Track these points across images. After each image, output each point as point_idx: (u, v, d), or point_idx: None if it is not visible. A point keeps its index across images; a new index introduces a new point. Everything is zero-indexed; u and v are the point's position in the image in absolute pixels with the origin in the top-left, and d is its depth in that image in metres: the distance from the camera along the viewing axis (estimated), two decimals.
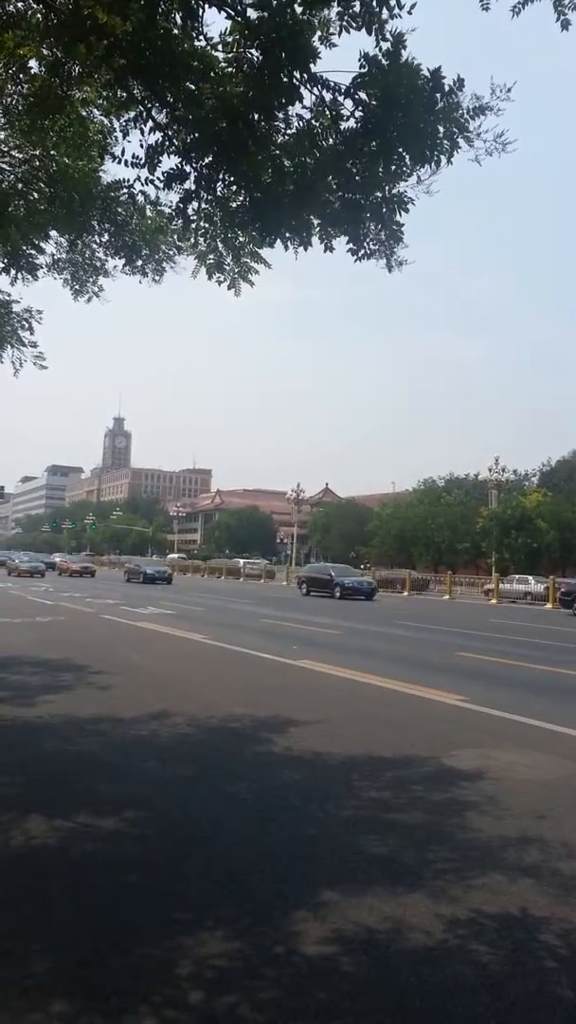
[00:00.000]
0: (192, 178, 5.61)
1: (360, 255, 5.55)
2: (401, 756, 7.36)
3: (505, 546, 55.66)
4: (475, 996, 3.33)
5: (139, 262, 10.07)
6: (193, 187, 5.66)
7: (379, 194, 5.32)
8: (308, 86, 5.04)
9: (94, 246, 10.43)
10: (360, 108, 4.99)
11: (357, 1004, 3.25)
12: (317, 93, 5.10)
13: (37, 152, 8.88)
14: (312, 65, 4.99)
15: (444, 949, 3.72)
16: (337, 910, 4.07)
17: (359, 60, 4.75)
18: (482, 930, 3.92)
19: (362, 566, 61.38)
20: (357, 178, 5.20)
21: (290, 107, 5.14)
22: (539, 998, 3.34)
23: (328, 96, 5.08)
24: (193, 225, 6.38)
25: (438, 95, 4.77)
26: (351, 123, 5.07)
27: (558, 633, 23.74)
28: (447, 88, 4.77)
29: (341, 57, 5.09)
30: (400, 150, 4.99)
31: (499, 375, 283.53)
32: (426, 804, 5.97)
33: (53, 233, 10.10)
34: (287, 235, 5.52)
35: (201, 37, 5.27)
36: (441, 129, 4.86)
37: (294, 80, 4.94)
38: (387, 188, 5.33)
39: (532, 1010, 3.26)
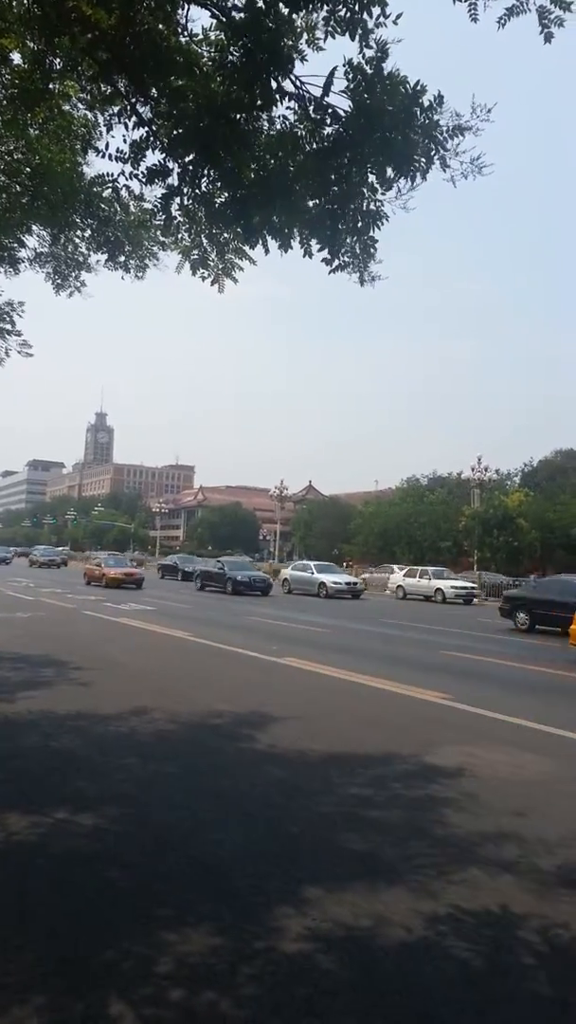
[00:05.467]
0: (175, 174, 5.58)
1: (335, 266, 5.56)
2: (383, 753, 7.40)
3: (487, 545, 55.95)
4: (455, 993, 3.36)
5: (122, 257, 10.02)
6: (176, 183, 5.63)
7: (353, 205, 5.33)
8: (289, 91, 5.04)
9: (77, 240, 10.35)
10: (337, 120, 4.99)
11: (337, 1000, 3.26)
12: (299, 97, 5.10)
13: (19, 145, 8.79)
14: (293, 69, 4.99)
15: (424, 945, 3.75)
16: (318, 906, 4.08)
17: (343, 66, 4.76)
18: (461, 926, 3.95)
19: (344, 564, 61.50)
20: (335, 187, 5.21)
21: (272, 108, 5.14)
22: (518, 995, 3.37)
23: (310, 102, 5.08)
24: (176, 221, 6.36)
25: (418, 110, 4.80)
26: (331, 130, 5.08)
27: None
28: (427, 104, 4.79)
29: (328, 66, 5.10)
30: (377, 162, 5.00)
31: (483, 376, 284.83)
32: (407, 801, 6.00)
33: (35, 227, 10.02)
34: (268, 235, 5.52)
35: (185, 33, 5.25)
36: (419, 144, 4.88)
37: (274, 82, 4.94)
38: (364, 201, 5.34)
39: (511, 1007, 3.29)
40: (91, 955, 3.55)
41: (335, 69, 4.77)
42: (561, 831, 5.40)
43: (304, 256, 5.57)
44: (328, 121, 5.07)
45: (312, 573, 38.92)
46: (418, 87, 4.78)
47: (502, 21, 4.55)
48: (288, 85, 5.07)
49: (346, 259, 5.67)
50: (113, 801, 5.79)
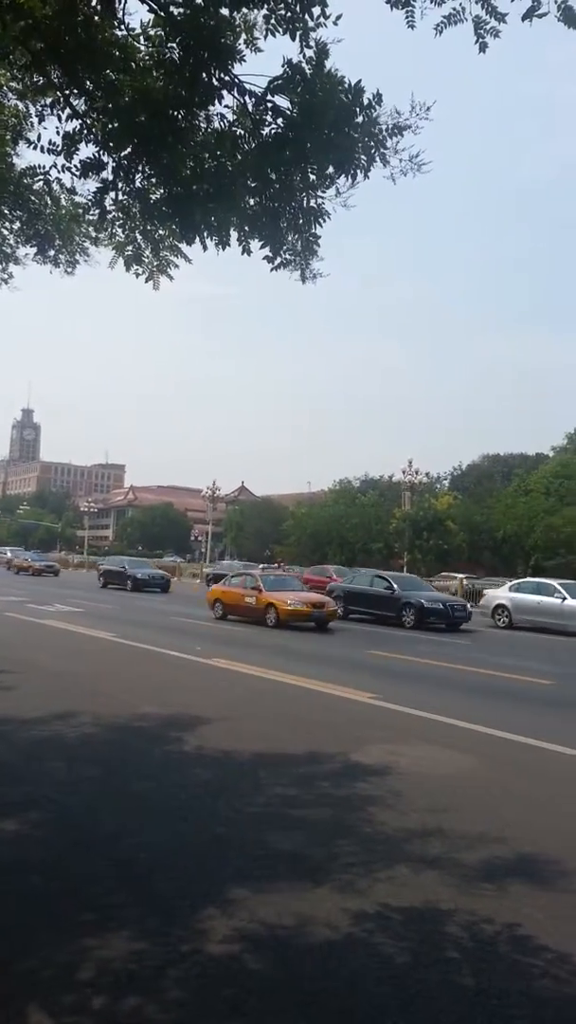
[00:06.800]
0: (110, 168, 5.51)
1: (276, 264, 5.57)
2: (310, 753, 7.44)
3: (416, 547, 56.90)
4: (379, 988, 3.40)
5: (52, 252, 9.81)
6: (111, 177, 5.56)
7: (294, 203, 5.36)
8: (229, 89, 5.03)
9: (5, 232, 10.09)
10: (279, 116, 5.01)
11: (263, 1001, 3.26)
12: (238, 96, 5.10)
13: None
14: (233, 67, 4.98)
15: (350, 943, 3.78)
16: (244, 907, 4.08)
17: (283, 66, 4.78)
18: (387, 923, 4.00)
19: (277, 564, 61.64)
20: (276, 185, 5.23)
21: (211, 106, 5.13)
22: (442, 988, 3.43)
23: (250, 101, 5.08)
24: (110, 216, 6.27)
25: (357, 109, 4.85)
26: (271, 128, 5.09)
27: None
28: (366, 102, 4.84)
29: (267, 66, 5.12)
30: (317, 160, 5.04)
31: (416, 380, 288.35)
32: (333, 800, 6.05)
33: None
34: (205, 233, 5.50)
35: (122, 27, 5.19)
36: (359, 143, 4.93)
37: (214, 80, 4.93)
38: (305, 198, 5.37)
39: (435, 999, 3.34)
40: (11, 963, 3.46)
41: (279, 77, 4.80)
42: (482, 826, 5.53)
43: (243, 254, 5.56)
44: (268, 119, 5.08)
45: (563, 598, 24.50)
46: (357, 86, 4.83)
47: (439, 28, 4.61)
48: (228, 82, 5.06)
49: (288, 256, 5.68)
50: (36, 806, 5.67)
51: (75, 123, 5.46)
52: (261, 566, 44.26)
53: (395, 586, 24.96)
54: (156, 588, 37.04)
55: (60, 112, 5.52)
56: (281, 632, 20.43)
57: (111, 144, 5.40)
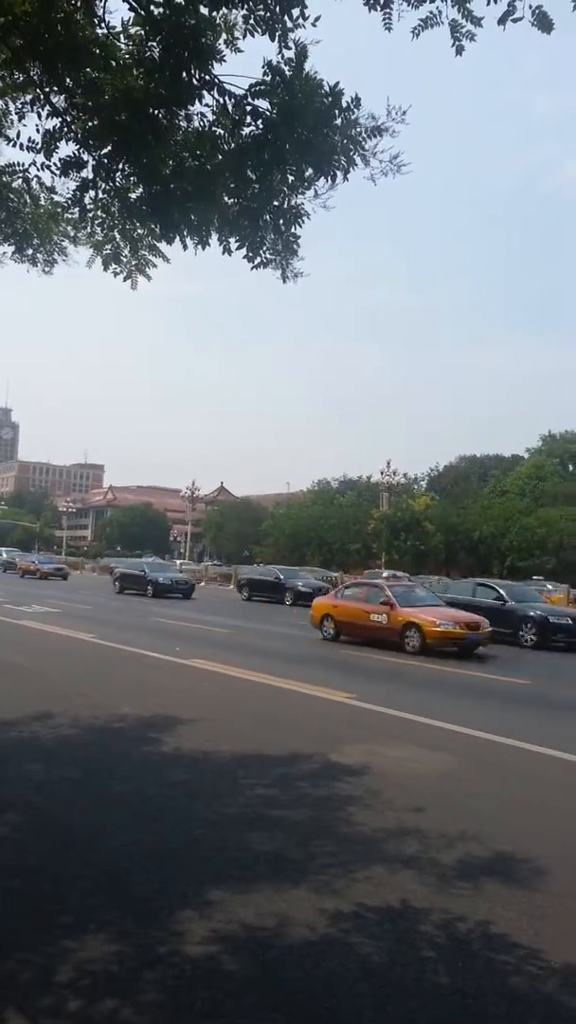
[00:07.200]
0: (90, 167, 5.49)
1: (256, 263, 5.58)
2: (288, 753, 7.44)
3: (394, 547, 57.20)
4: (356, 987, 3.41)
5: (30, 251, 9.75)
6: (91, 176, 5.54)
7: (276, 203, 5.37)
8: (209, 89, 5.03)
9: None
10: (258, 118, 5.02)
11: (241, 1002, 3.26)
12: (218, 96, 5.10)
13: None
14: (213, 67, 4.98)
15: (327, 943, 3.79)
16: (222, 908, 4.08)
17: (262, 68, 4.79)
18: (364, 923, 4.01)
19: (256, 563, 61.63)
20: (255, 186, 5.24)
21: (191, 106, 5.13)
22: (418, 986, 3.45)
23: (230, 101, 5.08)
24: (90, 215, 6.25)
25: (336, 111, 4.86)
26: (251, 129, 5.10)
27: None
28: (345, 104, 4.86)
29: (247, 67, 5.11)
30: (296, 161, 5.05)
31: (393, 382, 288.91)
32: (312, 800, 6.06)
33: None
34: (185, 232, 5.49)
35: (102, 25, 5.18)
36: (338, 145, 4.95)
37: (194, 80, 4.93)
38: (284, 199, 5.38)
39: (411, 998, 3.36)
40: None
41: (260, 82, 4.80)
42: (459, 825, 5.56)
43: (223, 254, 5.56)
44: (247, 120, 5.08)
45: None
46: (336, 89, 4.85)
47: (416, 32, 4.63)
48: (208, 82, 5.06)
49: (268, 256, 5.68)
50: (14, 808, 5.63)
51: (55, 121, 5.44)
52: (385, 573, 36.68)
53: (506, 597, 21.85)
54: (178, 594, 34.34)
55: (40, 109, 5.49)
56: (429, 660, 15.99)
57: (91, 142, 5.38)
